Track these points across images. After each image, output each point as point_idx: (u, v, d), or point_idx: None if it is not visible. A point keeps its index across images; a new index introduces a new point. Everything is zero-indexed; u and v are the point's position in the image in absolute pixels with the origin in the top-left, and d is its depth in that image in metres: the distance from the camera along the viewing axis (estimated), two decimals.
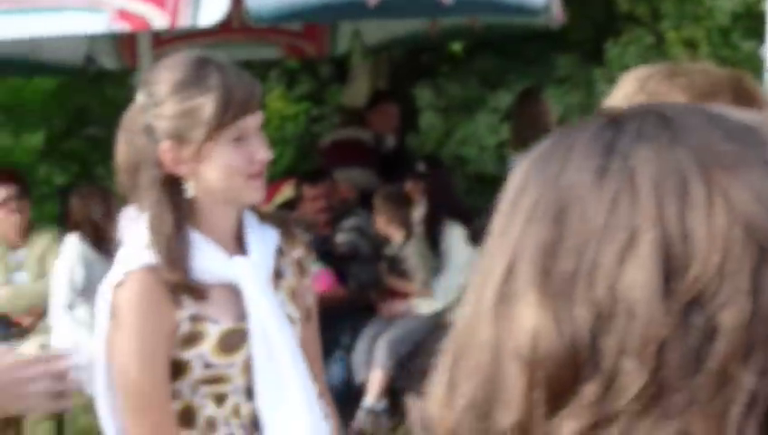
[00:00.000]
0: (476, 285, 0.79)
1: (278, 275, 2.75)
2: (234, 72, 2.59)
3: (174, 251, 2.57)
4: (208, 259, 2.62)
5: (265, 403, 2.60)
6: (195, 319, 2.59)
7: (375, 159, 9.26)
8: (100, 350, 2.60)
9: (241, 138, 2.58)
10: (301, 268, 2.83)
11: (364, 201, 8.19)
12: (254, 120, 2.61)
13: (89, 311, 6.88)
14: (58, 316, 6.88)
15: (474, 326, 0.77)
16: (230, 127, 2.54)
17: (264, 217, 2.80)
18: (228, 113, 2.51)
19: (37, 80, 15.05)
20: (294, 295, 2.78)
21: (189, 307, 2.60)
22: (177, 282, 2.57)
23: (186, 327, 2.58)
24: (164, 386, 2.57)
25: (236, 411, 2.63)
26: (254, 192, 2.64)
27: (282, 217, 2.93)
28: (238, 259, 2.65)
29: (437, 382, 0.81)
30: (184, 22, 5.71)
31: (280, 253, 2.77)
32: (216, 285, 2.63)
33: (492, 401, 0.75)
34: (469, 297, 0.80)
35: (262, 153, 2.62)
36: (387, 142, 9.60)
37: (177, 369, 2.59)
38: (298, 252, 2.83)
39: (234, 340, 2.60)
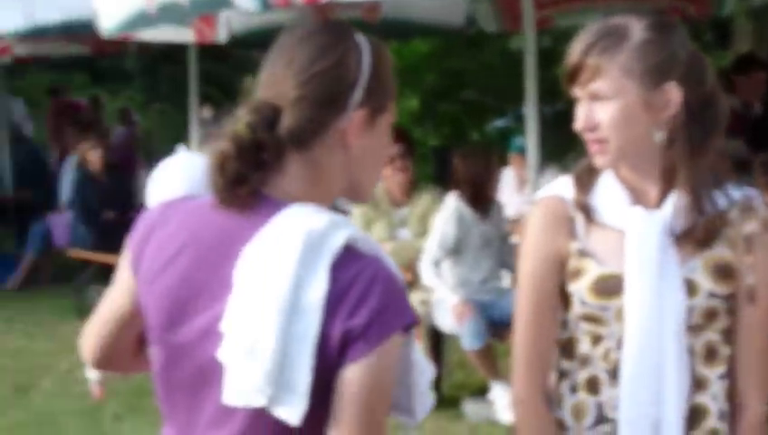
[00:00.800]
0: None
1: (702, 241, 2.56)
2: None
3: (583, 180, 2.61)
4: (609, 201, 2.57)
5: (628, 358, 2.53)
6: (582, 254, 2.57)
7: (744, 127, 8.58)
8: None
9: None
10: (748, 243, 2.58)
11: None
12: None
13: (453, 270, 7.02)
14: (425, 270, 7.03)
15: None
16: None
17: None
18: None
19: (415, 42, 15.25)
20: (723, 269, 2.56)
21: (581, 241, 2.58)
22: (580, 201, 2.59)
23: (574, 262, 2.58)
24: (548, 310, 2.65)
25: (606, 356, 2.57)
26: None
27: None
28: (636, 209, 2.53)
29: None
30: None
31: (718, 221, 2.57)
32: (612, 228, 2.56)
33: None
34: None
35: None
36: (755, 110, 8.97)
37: (565, 300, 2.61)
38: (752, 226, 2.59)
39: (610, 285, 2.53)
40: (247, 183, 2.05)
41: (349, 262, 1.99)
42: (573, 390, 2.64)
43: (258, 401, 1.96)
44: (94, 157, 11.27)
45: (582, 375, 2.61)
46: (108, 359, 2.39)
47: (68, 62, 19.18)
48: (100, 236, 10.67)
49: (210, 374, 2.04)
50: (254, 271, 1.99)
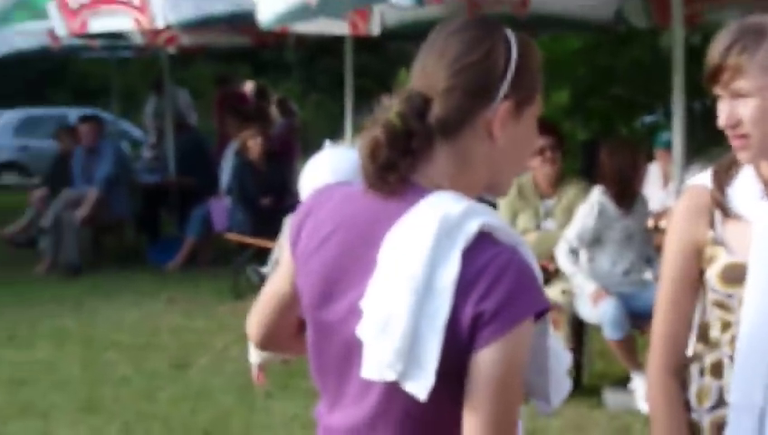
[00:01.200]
0: None
1: None
2: None
3: (721, 175, 2.63)
4: (744, 194, 2.59)
5: (741, 345, 2.55)
6: (716, 242, 2.60)
7: None
8: None
9: None
10: None
11: None
12: None
13: (591, 262, 7.06)
14: (561, 258, 7.02)
15: None
16: None
17: None
18: None
19: (566, 38, 15.12)
20: None
21: (717, 230, 2.61)
22: (714, 195, 2.62)
23: (709, 249, 2.61)
24: (688, 294, 2.69)
25: (732, 342, 2.59)
26: None
27: None
28: (766, 203, 2.56)
29: None
30: None
31: None
32: (744, 219, 2.58)
33: None
34: None
35: None
36: None
37: (703, 286, 2.66)
38: None
39: (736, 274, 2.55)
40: (397, 169, 2.10)
41: (483, 248, 2.03)
42: (701, 373, 2.66)
43: (390, 375, 2.02)
44: (254, 145, 11.40)
45: (710, 359, 2.64)
46: (270, 339, 2.50)
47: (231, 54, 19.49)
48: (257, 221, 10.78)
49: (354, 351, 2.10)
50: (394, 253, 2.04)
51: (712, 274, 2.59)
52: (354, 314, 2.09)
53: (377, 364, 2.05)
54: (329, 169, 2.80)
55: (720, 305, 2.59)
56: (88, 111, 15.82)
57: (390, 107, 2.13)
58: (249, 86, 17.92)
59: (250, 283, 10.13)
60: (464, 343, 2.01)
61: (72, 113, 16.18)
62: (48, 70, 25.93)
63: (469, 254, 2.01)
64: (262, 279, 9.49)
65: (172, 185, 13.76)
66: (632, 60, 14.81)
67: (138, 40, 13.34)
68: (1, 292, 10.90)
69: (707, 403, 2.64)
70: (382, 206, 2.13)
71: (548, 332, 2.16)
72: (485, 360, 2.00)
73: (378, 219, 2.12)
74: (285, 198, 10.99)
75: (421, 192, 2.10)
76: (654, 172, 9.16)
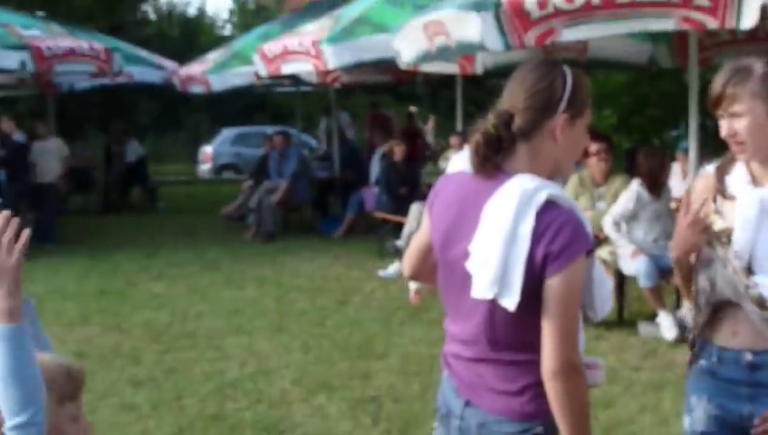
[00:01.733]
0: None
1: None
2: None
3: (724, 168, 2.62)
4: (737, 180, 2.57)
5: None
6: (716, 212, 2.56)
7: None
8: None
9: None
10: None
11: None
12: None
13: (630, 233, 6.97)
14: (607, 227, 6.97)
15: None
16: None
17: None
18: None
19: (613, 75, 14.84)
20: None
21: (717, 204, 2.59)
22: (715, 184, 2.61)
23: (711, 216, 2.58)
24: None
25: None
26: None
27: None
28: (747, 186, 2.54)
29: None
30: (729, 23, 5.22)
31: None
32: (735, 197, 2.55)
33: None
34: None
35: None
36: None
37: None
38: None
39: (726, 234, 2.53)
40: (492, 161, 2.22)
41: (549, 210, 2.13)
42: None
43: (489, 294, 2.15)
44: (399, 150, 11.39)
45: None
46: (417, 274, 2.61)
47: (378, 87, 19.55)
48: (396, 204, 10.76)
49: (467, 280, 2.21)
50: (490, 215, 2.17)
51: (714, 230, 2.59)
52: (466, 255, 2.21)
53: (481, 287, 2.16)
54: (463, 166, 2.92)
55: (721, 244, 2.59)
56: (280, 128, 16.01)
57: (488, 120, 2.24)
58: (430, 124, 18.14)
59: (389, 248, 10.19)
60: (538, 273, 2.11)
61: (270, 130, 16.39)
62: (253, 100, 26.31)
63: (540, 214, 2.12)
64: (395, 248, 9.61)
65: (337, 179, 13.82)
66: (662, 91, 14.50)
67: (314, 79, 13.51)
68: (221, 251, 11.10)
69: (702, 298, 2.65)
70: (483, 185, 2.23)
71: (594, 264, 2.23)
72: (554, 285, 2.10)
73: (480, 193, 2.22)
74: (416, 188, 11.06)
75: (508, 175, 2.20)
76: (676, 170, 9.06)
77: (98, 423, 5.10)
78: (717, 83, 2.51)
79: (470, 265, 2.18)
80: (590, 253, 2.14)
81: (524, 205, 2.11)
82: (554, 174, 2.29)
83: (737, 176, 2.57)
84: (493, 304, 2.16)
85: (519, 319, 2.14)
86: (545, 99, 2.22)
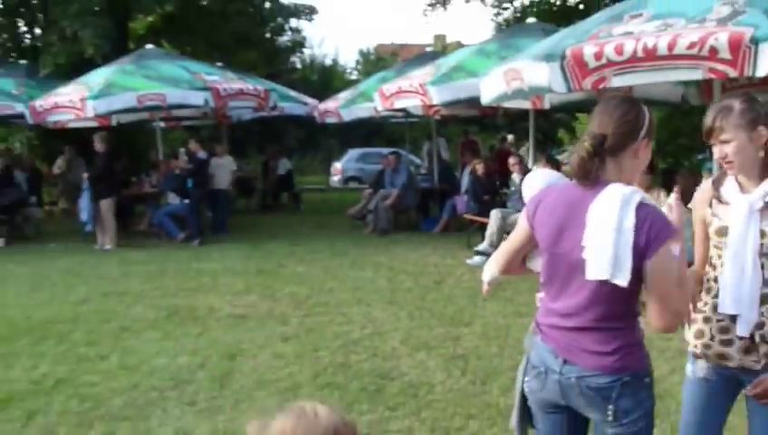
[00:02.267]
0: None
1: None
2: None
3: (719, 181, 2.57)
4: (729, 189, 2.54)
5: (727, 264, 2.49)
6: (713, 215, 2.57)
7: None
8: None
9: None
10: None
11: None
12: None
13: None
14: None
15: None
16: None
17: None
18: None
19: (653, 111, 14.35)
20: None
21: (714, 208, 2.57)
22: (713, 192, 2.59)
23: (709, 218, 2.57)
24: (704, 240, 2.60)
25: (723, 265, 2.52)
26: None
27: None
28: (738, 194, 2.51)
29: None
30: (747, 72, 5.04)
31: None
32: (728, 202, 2.53)
33: None
34: None
35: None
36: None
37: (708, 238, 2.60)
38: None
39: (723, 231, 2.51)
40: (591, 173, 2.21)
41: (643, 208, 2.13)
42: (707, 281, 2.63)
43: (605, 276, 2.13)
44: (479, 168, 11.35)
45: (711, 274, 2.60)
46: (507, 268, 2.57)
47: (468, 119, 19.45)
48: (480, 208, 10.68)
49: (576, 267, 2.20)
50: (597, 215, 2.16)
51: (711, 231, 2.57)
52: (576, 248, 2.19)
53: (597, 270, 2.14)
54: (538, 181, 2.87)
55: (716, 247, 2.57)
56: (393, 149, 16.11)
57: (584, 140, 2.22)
58: (526, 147, 17.87)
59: (475, 242, 10.14)
60: (641, 255, 2.11)
61: (385, 151, 16.50)
62: (373, 128, 26.50)
63: (637, 211, 2.12)
64: (477, 251, 9.54)
65: (435, 189, 13.76)
66: (691, 124, 13.99)
67: (419, 112, 13.53)
68: (347, 242, 11.15)
69: (709, 297, 2.60)
70: (585, 192, 2.22)
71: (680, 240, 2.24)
72: (654, 263, 2.11)
73: (583, 199, 2.21)
74: (495, 196, 10.98)
75: (604, 184, 2.19)
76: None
77: (257, 367, 5.30)
78: (708, 119, 2.50)
79: (586, 254, 2.17)
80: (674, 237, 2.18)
81: (625, 205, 2.11)
82: (631, 183, 2.28)
83: (729, 186, 2.56)
84: (599, 284, 2.15)
85: (621, 294, 2.15)
86: (632, 127, 2.22)
